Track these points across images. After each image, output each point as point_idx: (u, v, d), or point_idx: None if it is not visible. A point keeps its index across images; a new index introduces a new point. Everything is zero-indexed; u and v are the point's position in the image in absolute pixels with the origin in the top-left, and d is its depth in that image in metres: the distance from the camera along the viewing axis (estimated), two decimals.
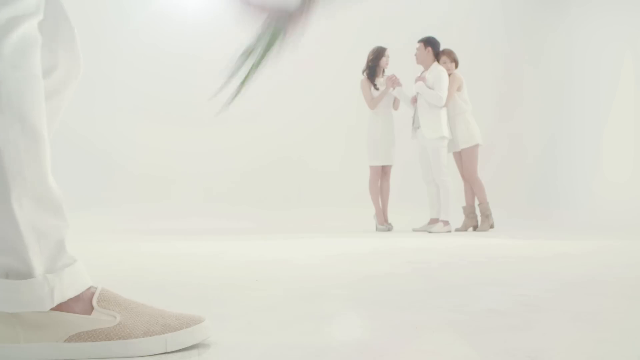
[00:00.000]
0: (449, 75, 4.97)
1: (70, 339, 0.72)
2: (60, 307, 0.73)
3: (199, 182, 6.30)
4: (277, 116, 6.59)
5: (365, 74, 5.16)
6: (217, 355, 0.74)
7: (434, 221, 4.95)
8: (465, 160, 5.02)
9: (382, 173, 5.16)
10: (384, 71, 5.19)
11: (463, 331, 0.84)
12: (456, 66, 5.10)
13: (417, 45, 5.00)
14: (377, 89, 5.10)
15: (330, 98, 6.71)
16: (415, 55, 5.01)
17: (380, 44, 5.20)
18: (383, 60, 5.13)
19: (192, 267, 1.89)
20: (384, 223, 5.09)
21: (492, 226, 4.95)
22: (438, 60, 5.03)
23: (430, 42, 4.99)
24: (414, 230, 5.03)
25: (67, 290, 0.73)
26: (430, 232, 4.74)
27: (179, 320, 0.77)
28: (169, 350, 0.75)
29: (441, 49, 5.07)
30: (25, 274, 0.71)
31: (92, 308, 0.74)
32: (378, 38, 5.53)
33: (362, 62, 5.25)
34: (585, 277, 1.66)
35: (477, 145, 4.99)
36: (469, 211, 5.08)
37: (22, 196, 0.70)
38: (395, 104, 5.21)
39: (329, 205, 6.20)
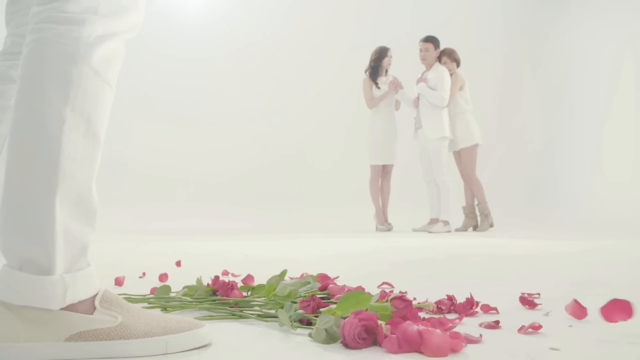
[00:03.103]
0: (451, 74, 4.97)
1: (71, 338, 0.72)
2: (65, 307, 0.73)
3: (198, 182, 6.30)
4: (277, 116, 6.59)
5: (367, 73, 5.16)
6: (217, 355, 0.75)
7: (434, 221, 4.95)
8: (464, 159, 5.02)
9: (382, 173, 5.16)
10: (386, 71, 5.20)
11: (463, 331, 0.84)
12: (457, 65, 5.10)
13: (425, 45, 4.97)
14: (378, 87, 5.10)
15: (331, 98, 6.71)
16: (422, 56, 4.99)
17: (382, 44, 5.21)
18: (385, 61, 5.13)
19: (193, 266, 1.89)
20: (384, 223, 5.09)
21: (491, 225, 4.95)
22: (439, 60, 5.03)
23: (438, 43, 4.98)
24: (414, 230, 5.03)
25: (79, 292, 0.73)
26: (430, 232, 4.74)
27: (180, 324, 0.78)
28: (169, 352, 0.75)
29: (441, 48, 5.07)
30: (45, 271, 0.71)
31: (94, 308, 0.75)
32: (377, 38, 5.54)
33: (362, 62, 5.26)
34: (585, 277, 1.66)
35: (476, 145, 5.00)
36: (469, 211, 5.08)
37: (66, 195, 0.71)
38: (396, 104, 5.21)
39: (329, 205, 6.20)
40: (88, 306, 0.74)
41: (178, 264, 1.86)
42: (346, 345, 0.76)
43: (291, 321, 0.87)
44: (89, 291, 0.75)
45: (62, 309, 0.72)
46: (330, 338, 0.79)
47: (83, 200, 0.74)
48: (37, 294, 0.70)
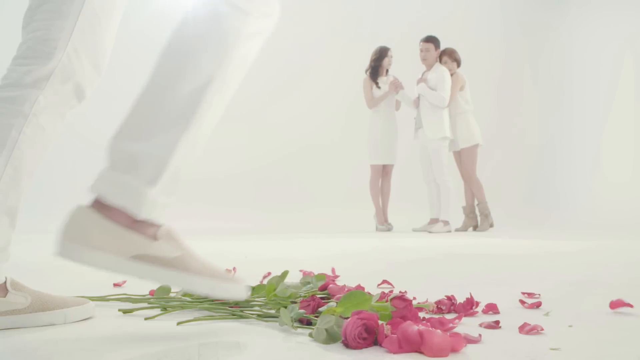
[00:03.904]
0: (452, 74, 4.97)
1: (135, 258, 0.80)
2: (136, 225, 0.82)
3: (198, 182, 6.29)
4: (277, 116, 6.59)
5: (367, 73, 5.16)
6: (217, 355, 0.75)
7: (434, 221, 4.95)
8: (464, 159, 5.02)
9: (383, 173, 5.15)
10: (387, 71, 5.20)
11: (463, 331, 0.84)
12: (458, 65, 5.10)
13: (425, 45, 4.96)
14: (379, 87, 5.10)
15: (331, 97, 6.71)
16: (423, 56, 4.99)
17: (382, 44, 5.21)
18: (386, 61, 5.13)
19: None
20: (384, 223, 5.09)
21: (491, 225, 4.95)
22: (440, 60, 5.03)
23: (438, 43, 4.98)
24: (414, 230, 5.03)
25: (159, 216, 0.84)
26: (430, 232, 4.74)
27: (226, 276, 0.87)
28: (213, 295, 0.85)
29: (442, 48, 5.07)
30: (148, 181, 0.83)
31: (156, 237, 0.83)
32: (377, 37, 5.54)
33: (362, 62, 5.26)
34: (585, 277, 1.67)
35: (476, 145, 5.00)
36: (469, 211, 5.08)
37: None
38: (397, 104, 5.21)
39: (329, 205, 6.20)
40: (154, 232, 0.83)
41: None
42: (347, 345, 0.76)
43: (292, 321, 0.87)
44: (160, 220, 0.84)
45: (132, 229, 0.81)
46: (330, 338, 0.79)
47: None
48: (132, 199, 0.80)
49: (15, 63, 0.93)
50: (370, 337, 0.77)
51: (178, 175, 0.84)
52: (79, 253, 0.79)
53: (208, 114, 0.84)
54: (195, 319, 0.94)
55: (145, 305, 1.10)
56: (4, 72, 0.93)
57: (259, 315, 0.97)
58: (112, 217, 0.81)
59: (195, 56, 0.82)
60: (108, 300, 1.16)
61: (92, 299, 1.16)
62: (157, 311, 1.04)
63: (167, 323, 0.95)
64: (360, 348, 0.76)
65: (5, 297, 0.87)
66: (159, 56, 0.86)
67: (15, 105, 0.88)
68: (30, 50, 0.93)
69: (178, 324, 0.93)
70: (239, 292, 0.87)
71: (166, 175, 0.82)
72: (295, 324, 0.89)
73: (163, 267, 0.82)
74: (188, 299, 1.11)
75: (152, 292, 1.18)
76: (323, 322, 0.80)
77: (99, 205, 0.82)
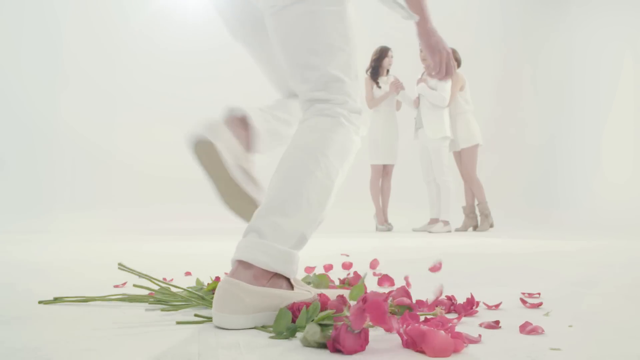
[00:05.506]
0: None
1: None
2: (272, 282, 0.93)
3: (198, 182, 6.29)
4: None
5: (368, 73, 5.17)
6: (217, 355, 0.75)
7: (434, 221, 4.95)
8: (464, 159, 5.02)
9: (383, 172, 5.15)
10: (387, 71, 5.20)
11: (463, 331, 0.84)
12: (458, 65, 5.10)
13: None
14: (379, 87, 5.10)
15: None
16: (423, 56, 4.98)
17: (383, 44, 5.21)
18: (386, 61, 5.14)
19: (194, 266, 1.89)
20: (384, 223, 5.09)
21: (491, 225, 4.96)
22: None
23: None
24: (414, 230, 5.03)
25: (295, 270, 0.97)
26: (430, 232, 4.75)
27: None
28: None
29: None
30: (294, 245, 0.97)
31: (293, 287, 0.96)
32: (376, 37, 5.54)
33: (362, 62, 5.26)
34: (585, 277, 1.67)
35: (477, 145, 5.00)
36: (469, 211, 5.08)
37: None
38: (397, 104, 5.22)
39: None
40: (286, 284, 0.95)
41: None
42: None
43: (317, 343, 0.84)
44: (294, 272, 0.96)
45: (273, 286, 0.92)
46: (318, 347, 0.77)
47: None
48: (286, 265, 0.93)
49: None
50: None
51: (308, 241, 1.01)
52: (239, 321, 0.88)
53: (333, 199, 1.02)
54: (195, 322, 0.94)
55: (146, 305, 1.10)
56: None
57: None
58: (256, 281, 0.91)
59: (325, 157, 1.00)
60: (108, 300, 1.16)
61: (92, 299, 1.16)
62: (158, 311, 1.04)
63: (167, 323, 0.95)
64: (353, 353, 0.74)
65: (294, 290, 0.96)
66: (292, 152, 1.04)
67: (284, 113, 1.26)
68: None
69: (177, 323, 0.93)
70: None
71: (307, 242, 0.99)
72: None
73: None
74: (194, 295, 1.11)
75: (151, 293, 1.18)
76: (310, 333, 0.78)
77: (239, 273, 0.92)
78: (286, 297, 0.92)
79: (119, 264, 1.09)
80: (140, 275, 1.09)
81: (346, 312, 0.85)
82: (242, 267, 0.92)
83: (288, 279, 0.96)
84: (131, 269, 1.08)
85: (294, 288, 0.96)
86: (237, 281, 0.90)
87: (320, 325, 0.79)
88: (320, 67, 1.02)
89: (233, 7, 1.16)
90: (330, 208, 1.02)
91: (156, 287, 1.33)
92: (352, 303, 0.87)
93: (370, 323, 0.74)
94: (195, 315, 0.96)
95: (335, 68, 1.02)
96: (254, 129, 1.15)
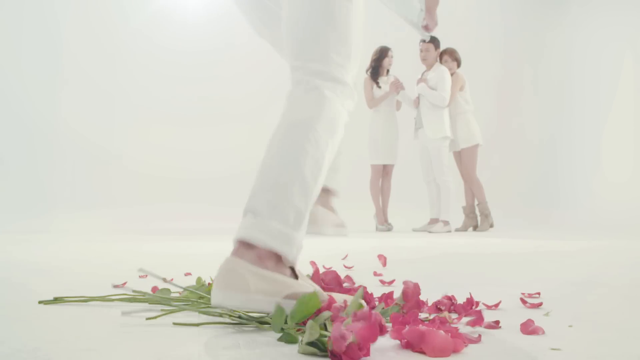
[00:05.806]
0: (452, 74, 4.97)
1: (287, 297, 0.89)
2: (279, 268, 0.92)
3: (198, 182, 6.29)
4: (276, 115, 6.57)
5: (368, 73, 5.16)
6: (217, 355, 0.75)
7: (434, 221, 4.95)
8: (464, 160, 5.02)
9: (383, 172, 5.15)
10: (388, 71, 5.20)
11: (463, 330, 0.84)
12: (458, 65, 5.10)
13: (425, 45, 4.95)
14: (379, 87, 5.10)
15: None
16: (423, 56, 4.99)
17: (383, 44, 5.21)
18: (386, 61, 5.13)
19: (194, 266, 1.89)
20: (384, 223, 5.09)
21: (491, 225, 4.95)
22: (440, 60, 5.03)
23: (438, 43, 4.98)
24: (414, 230, 5.03)
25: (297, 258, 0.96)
26: (430, 232, 4.75)
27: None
28: None
29: (442, 48, 5.07)
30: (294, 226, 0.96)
31: (297, 276, 0.95)
32: (376, 37, 5.53)
33: (362, 62, 5.26)
34: (585, 277, 1.67)
35: (477, 145, 5.00)
36: (469, 211, 5.08)
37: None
38: (397, 104, 5.21)
39: None
40: (290, 272, 0.95)
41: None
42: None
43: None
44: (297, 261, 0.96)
45: (278, 272, 0.91)
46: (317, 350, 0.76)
47: None
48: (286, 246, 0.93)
49: None
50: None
51: (306, 219, 0.98)
52: (240, 299, 0.88)
53: (324, 172, 1.01)
54: (197, 324, 0.94)
55: (146, 305, 1.10)
56: None
57: (260, 323, 0.95)
58: (260, 262, 0.91)
59: (315, 131, 0.99)
60: (108, 300, 1.16)
61: (92, 299, 1.16)
62: (158, 311, 1.04)
63: (167, 323, 0.95)
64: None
65: (298, 280, 0.95)
66: (281, 129, 1.02)
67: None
68: None
69: (174, 324, 0.93)
70: None
71: (306, 221, 0.96)
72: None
73: None
74: (193, 296, 1.11)
75: (153, 291, 1.18)
76: (308, 336, 0.76)
77: (242, 253, 0.91)
78: (289, 284, 0.92)
79: (140, 269, 1.10)
80: (165, 280, 1.10)
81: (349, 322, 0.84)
82: (244, 247, 0.92)
83: (292, 270, 0.95)
84: (154, 274, 1.09)
85: (298, 279, 0.96)
86: (241, 260, 0.90)
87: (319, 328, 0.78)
88: (316, 40, 1.04)
89: (256, 10, 1.21)
90: (322, 182, 1.01)
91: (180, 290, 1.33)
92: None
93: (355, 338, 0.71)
94: (200, 311, 0.96)
95: (330, 43, 1.05)
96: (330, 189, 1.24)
